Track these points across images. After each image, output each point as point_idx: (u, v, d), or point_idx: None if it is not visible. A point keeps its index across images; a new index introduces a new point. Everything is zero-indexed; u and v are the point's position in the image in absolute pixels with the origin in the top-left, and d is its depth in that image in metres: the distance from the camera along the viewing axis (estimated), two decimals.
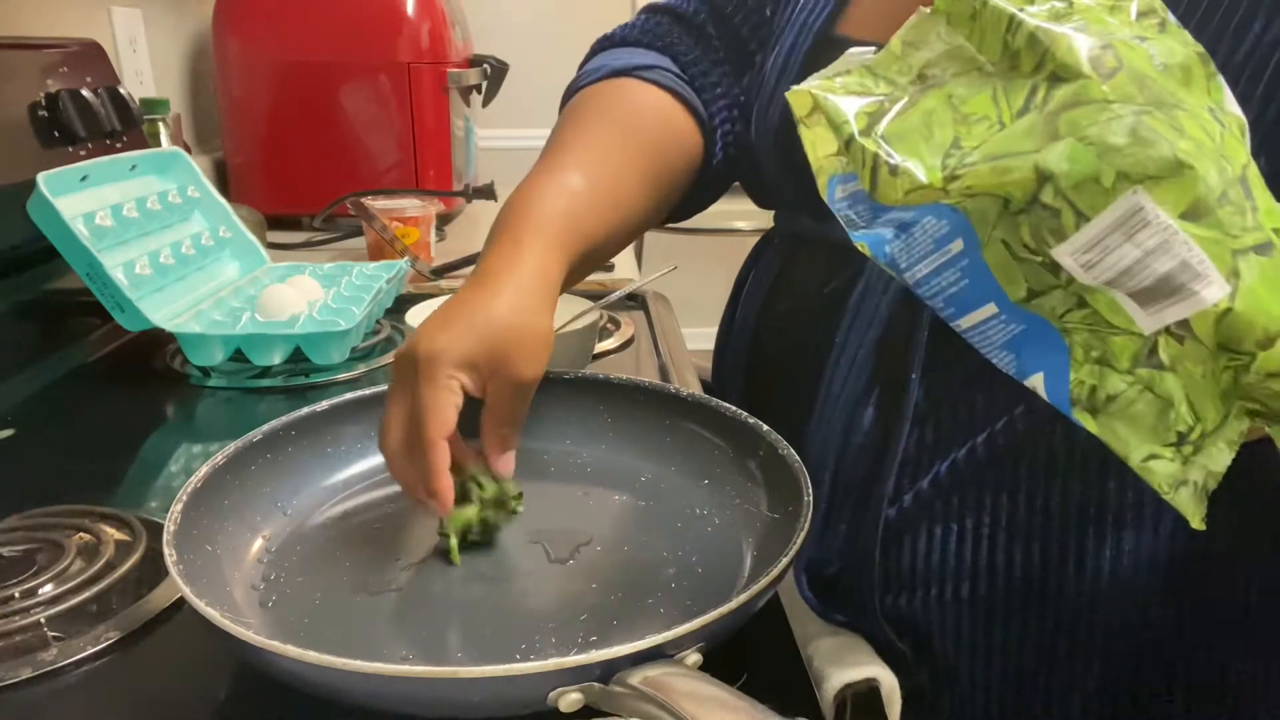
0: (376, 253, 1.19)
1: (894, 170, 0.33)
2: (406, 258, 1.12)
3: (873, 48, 0.39)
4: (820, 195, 0.39)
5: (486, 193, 1.40)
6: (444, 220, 1.45)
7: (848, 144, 0.34)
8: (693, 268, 1.21)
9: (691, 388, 0.75)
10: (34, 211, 0.78)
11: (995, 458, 0.52)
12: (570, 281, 0.59)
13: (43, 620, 0.48)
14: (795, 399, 0.59)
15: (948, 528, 0.53)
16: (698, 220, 0.81)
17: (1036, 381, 0.35)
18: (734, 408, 0.58)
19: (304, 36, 1.35)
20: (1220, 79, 0.33)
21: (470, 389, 0.51)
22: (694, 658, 0.38)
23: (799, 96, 0.37)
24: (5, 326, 0.86)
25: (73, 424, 0.77)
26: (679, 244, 2.16)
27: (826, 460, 0.55)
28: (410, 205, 1.23)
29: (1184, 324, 0.30)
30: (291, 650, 0.36)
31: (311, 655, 0.36)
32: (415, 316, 0.78)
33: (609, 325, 0.98)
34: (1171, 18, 0.34)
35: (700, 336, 0.79)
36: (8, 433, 0.73)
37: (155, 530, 0.51)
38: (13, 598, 0.50)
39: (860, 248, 0.37)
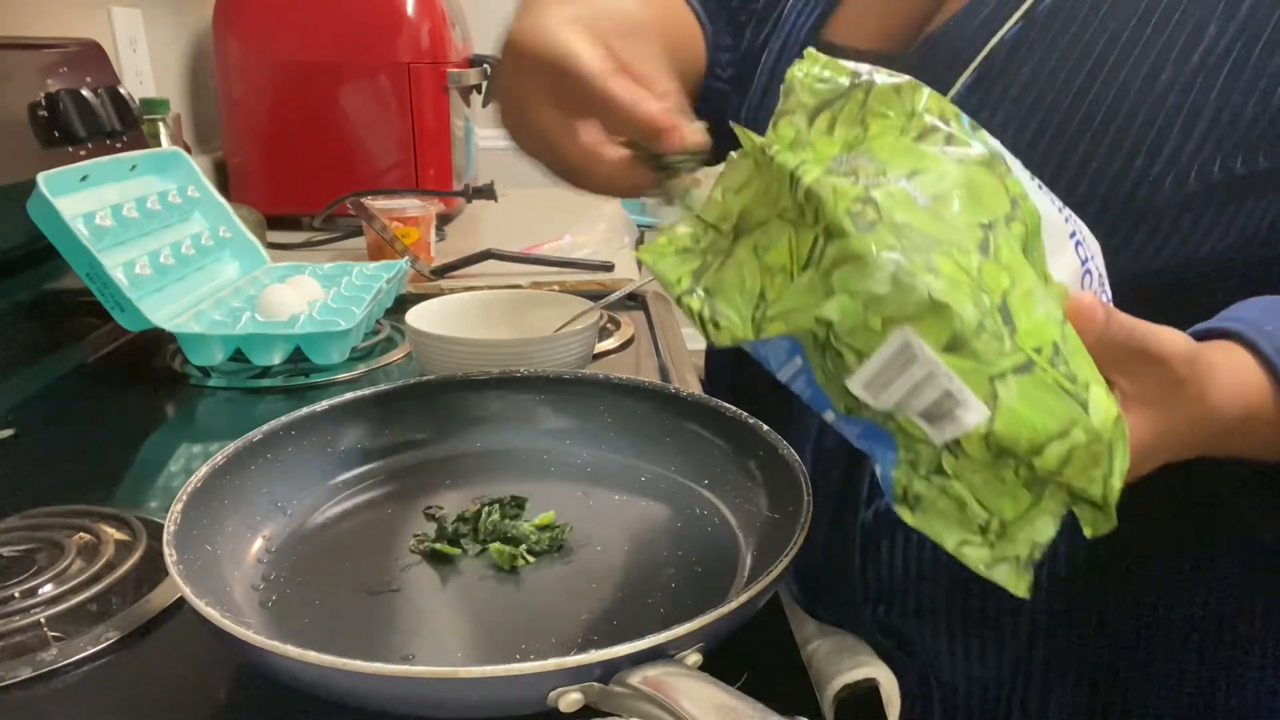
0: (376, 253, 1.19)
1: (717, 324, 0.36)
2: (406, 258, 1.12)
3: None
4: None
5: (486, 193, 1.40)
6: (444, 220, 1.45)
7: (679, 301, 0.38)
8: None
9: (691, 388, 0.75)
10: (34, 211, 0.78)
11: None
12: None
13: (43, 620, 0.48)
14: (775, 402, 0.59)
15: (922, 534, 0.53)
16: None
17: (877, 470, 0.38)
18: (734, 408, 0.58)
19: (304, 36, 1.35)
20: (1016, 174, 0.36)
21: (592, 42, 0.44)
22: (694, 658, 0.38)
23: (642, 256, 0.40)
24: (5, 326, 0.86)
25: (73, 424, 0.77)
26: None
27: (803, 463, 0.56)
28: (410, 205, 1.23)
29: (958, 442, 0.33)
30: (291, 650, 0.36)
31: (311, 655, 0.36)
32: (415, 316, 0.78)
33: (609, 325, 0.98)
34: (966, 122, 0.36)
35: (700, 336, 0.79)
36: (8, 433, 0.73)
37: (155, 530, 0.51)
38: (13, 598, 0.50)
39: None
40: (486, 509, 0.54)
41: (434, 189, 1.39)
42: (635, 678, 0.36)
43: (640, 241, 2.60)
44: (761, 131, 0.37)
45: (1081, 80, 0.46)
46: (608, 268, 1.18)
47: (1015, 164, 0.37)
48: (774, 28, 0.66)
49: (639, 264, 1.56)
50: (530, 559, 0.51)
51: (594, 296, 0.82)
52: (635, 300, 1.08)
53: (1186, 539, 0.52)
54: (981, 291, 0.32)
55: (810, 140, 0.37)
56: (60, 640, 0.47)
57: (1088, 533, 0.35)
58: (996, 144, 0.36)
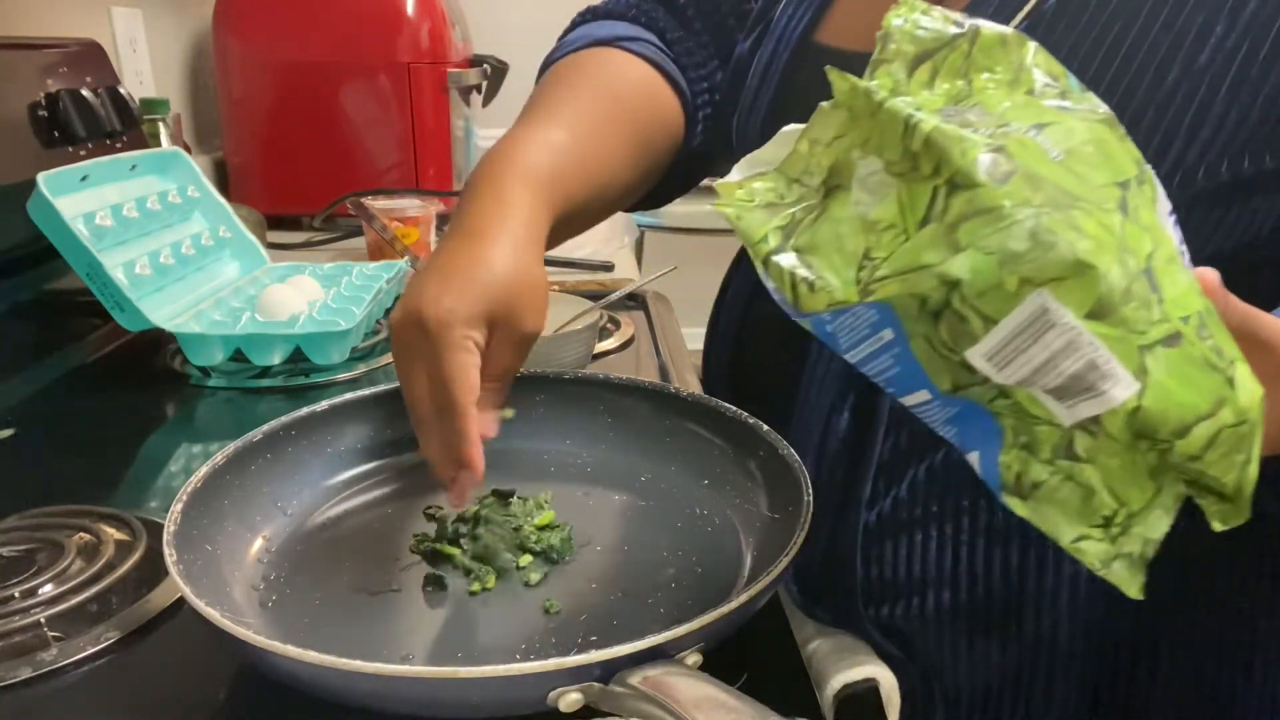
0: (376, 253, 1.19)
1: (811, 286, 0.33)
2: (406, 258, 1.12)
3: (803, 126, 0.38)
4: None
5: None
6: (444, 220, 1.44)
7: (765, 262, 0.35)
8: (693, 268, 1.21)
9: (691, 388, 0.75)
10: (34, 211, 0.78)
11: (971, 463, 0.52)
12: (551, 242, 0.56)
13: (43, 620, 0.48)
14: (775, 404, 0.59)
15: (927, 534, 0.53)
16: (698, 220, 0.81)
17: (974, 459, 0.35)
18: (734, 408, 0.58)
19: (304, 36, 1.35)
20: (1130, 141, 0.33)
21: (481, 347, 0.48)
22: (694, 658, 0.38)
23: (722, 209, 0.37)
24: (5, 326, 0.86)
25: (73, 424, 0.77)
26: (679, 244, 2.16)
27: (804, 465, 0.56)
28: (410, 205, 1.23)
29: (1096, 420, 0.30)
30: (291, 650, 0.36)
31: (311, 655, 0.36)
32: None
33: (609, 325, 0.98)
34: (1074, 83, 0.34)
35: (700, 336, 0.79)
36: (8, 433, 0.73)
37: (155, 530, 0.51)
38: (13, 598, 0.50)
39: (803, 324, 0.36)
40: (493, 515, 0.54)
41: (434, 189, 1.39)
42: (635, 678, 0.36)
43: (640, 241, 2.60)
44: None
45: (1087, 81, 0.46)
46: (608, 268, 1.18)
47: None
48: (765, 31, 0.66)
49: (639, 264, 1.56)
50: (529, 560, 0.51)
51: (594, 296, 0.82)
52: (635, 300, 1.08)
53: (1194, 542, 0.52)
54: (1126, 254, 0.29)
55: (909, 92, 0.33)
56: (60, 640, 0.47)
57: (1217, 526, 0.33)
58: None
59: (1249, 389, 0.30)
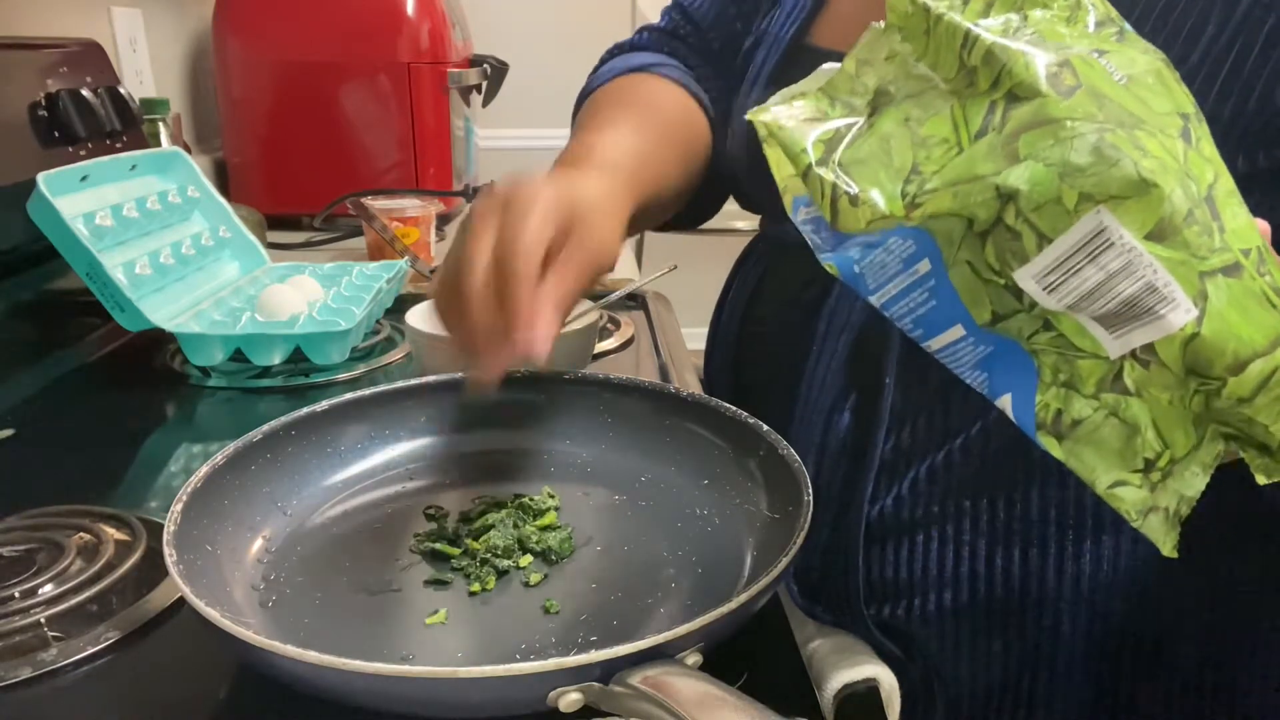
0: (376, 253, 1.19)
1: (854, 200, 0.32)
2: (406, 258, 1.12)
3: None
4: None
5: None
6: (444, 220, 1.44)
7: (805, 174, 0.34)
8: (693, 268, 1.21)
9: (691, 388, 0.75)
10: (34, 211, 0.78)
11: (971, 463, 0.52)
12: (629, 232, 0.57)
13: (43, 620, 0.48)
14: (776, 404, 0.59)
15: (929, 534, 0.53)
16: None
17: (1005, 402, 0.34)
18: (734, 408, 0.58)
19: (304, 36, 1.35)
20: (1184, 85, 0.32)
21: (551, 238, 0.46)
22: (694, 658, 0.38)
23: (759, 119, 0.36)
24: (5, 326, 0.86)
25: (73, 424, 0.77)
26: (679, 244, 2.16)
27: (805, 465, 0.56)
28: (410, 205, 1.23)
29: (1149, 348, 0.30)
30: (291, 650, 0.36)
31: (311, 655, 0.36)
32: (415, 316, 0.78)
33: (609, 325, 0.98)
34: (1129, 26, 0.33)
35: (700, 336, 0.79)
36: (8, 433, 0.73)
37: (155, 530, 0.51)
38: (13, 598, 0.50)
39: (829, 268, 0.36)
40: (494, 514, 0.54)
41: (434, 189, 1.40)
42: (635, 678, 0.36)
43: (640, 242, 2.60)
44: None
45: None
46: None
47: None
48: (756, 49, 0.67)
49: (639, 264, 1.56)
50: (529, 560, 0.51)
51: (594, 297, 0.82)
52: (635, 300, 1.08)
53: (1203, 538, 0.52)
54: (1189, 179, 0.28)
55: (966, 19, 0.32)
56: (60, 640, 0.47)
57: (1261, 480, 0.32)
58: None
59: None
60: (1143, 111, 0.29)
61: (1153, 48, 0.33)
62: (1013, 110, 0.30)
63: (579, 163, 0.57)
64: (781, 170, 0.36)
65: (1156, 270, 0.28)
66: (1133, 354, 0.30)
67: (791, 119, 0.35)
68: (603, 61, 0.79)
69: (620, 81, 0.71)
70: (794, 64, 0.62)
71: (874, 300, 0.35)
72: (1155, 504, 0.32)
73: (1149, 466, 0.31)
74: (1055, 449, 0.32)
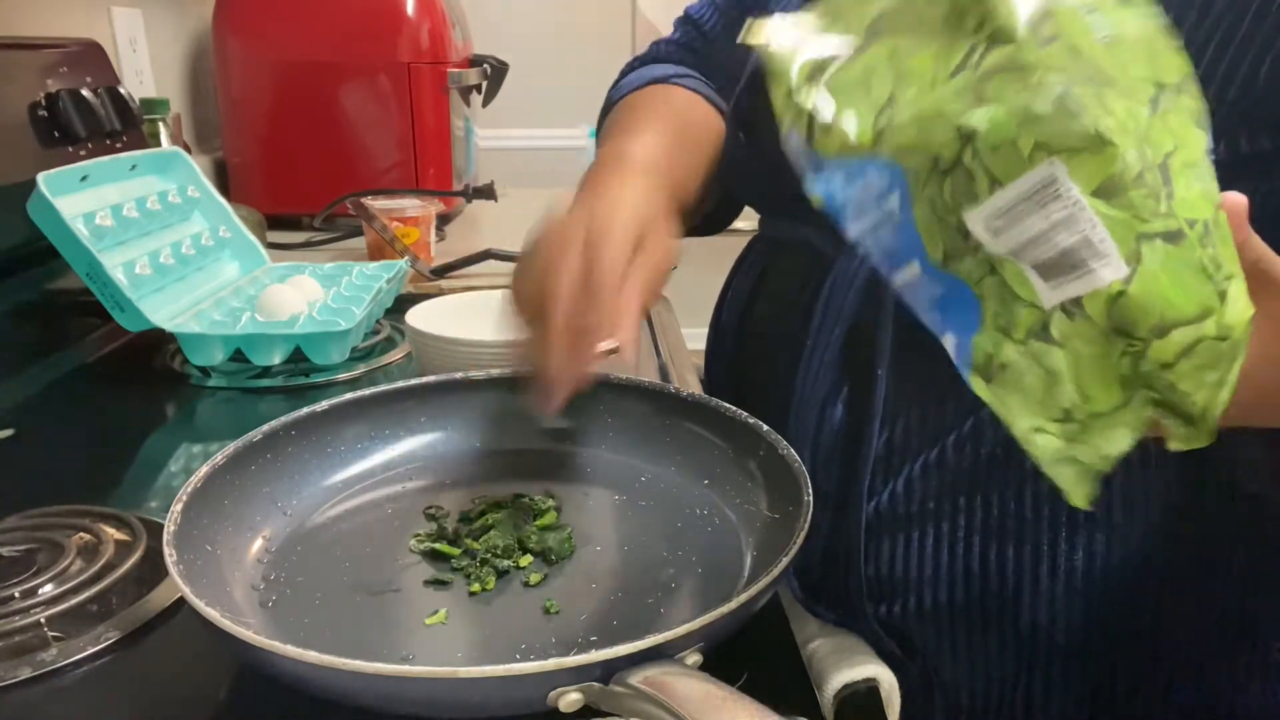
0: (376, 253, 1.19)
1: (826, 128, 0.33)
2: (406, 258, 1.12)
3: None
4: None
5: (486, 193, 1.39)
6: (444, 220, 1.45)
7: (788, 95, 0.34)
8: (693, 268, 1.21)
9: (691, 388, 0.75)
10: (34, 211, 0.78)
11: (965, 459, 0.52)
12: None
13: (43, 620, 0.48)
14: (775, 402, 0.59)
15: (924, 531, 0.53)
16: None
17: (949, 342, 0.34)
18: (734, 408, 0.58)
19: (304, 36, 1.35)
20: (1184, 55, 0.32)
21: (630, 257, 0.51)
22: (694, 658, 0.38)
23: (758, 33, 0.36)
24: (5, 326, 0.86)
25: (73, 424, 0.77)
26: (679, 244, 2.16)
27: (801, 460, 0.56)
28: (410, 205, 1.23)
29: (1078, 302, 0.30)
30: (291, 650, 0.36)
31: (311, 655, 0.36)
32: (415, 316, 0.78)
33: None
34: None
35: (700, 336, 0.79)
36: (8, 433, 0.73)
37: (155, 530, 0.51)
38: (13, 598, 0.50)
39: (814, 200, 0.36)
40: (494, 514, 0.54)
41: (434, 189, 1.39)
42: (635, 678, 0.36)
43: None
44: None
45: None
46: None
47: None
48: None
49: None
50: (529, 560, 0.51)
51: None
52: None
53: (1196, 535, 0.52)
54: (1146, 145, 0.29)
55: None
56: (60, 640, 0.47)
57: (1175, 446, 0.33)
58: None
59: (1239, 307, 0.30)
60: (1116, 72, 0.30)
61: (1157, 15, 0.33)
62: (990, 53, 0.30)
63: (621, 168, 0.58)
64: (777, 92, 0.37)
65: (1095, 226, 0.29)
66: (1063, 306, 0.31)
67: (786, 35, 0.35)
68: (623, 75, 0.80)
69: (643, 92, 0.73)
70: None
71: (851, 232, 0.36)
72: (1070, 454, 0.32)
73: (1066, 416, 0.32)
74: (983, 391, 0.33)
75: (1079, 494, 0.33)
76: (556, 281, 0.50)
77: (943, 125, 0.30)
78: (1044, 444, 0.33)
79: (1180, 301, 0.29)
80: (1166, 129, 0.30)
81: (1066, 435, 0.32)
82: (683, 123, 0.68)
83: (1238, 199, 0.32)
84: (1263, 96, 0.43)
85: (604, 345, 0.49)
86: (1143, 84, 0.30)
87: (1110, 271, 0.29)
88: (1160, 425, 0.32)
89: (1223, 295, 0.30)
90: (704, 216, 0.77)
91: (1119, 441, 0.32)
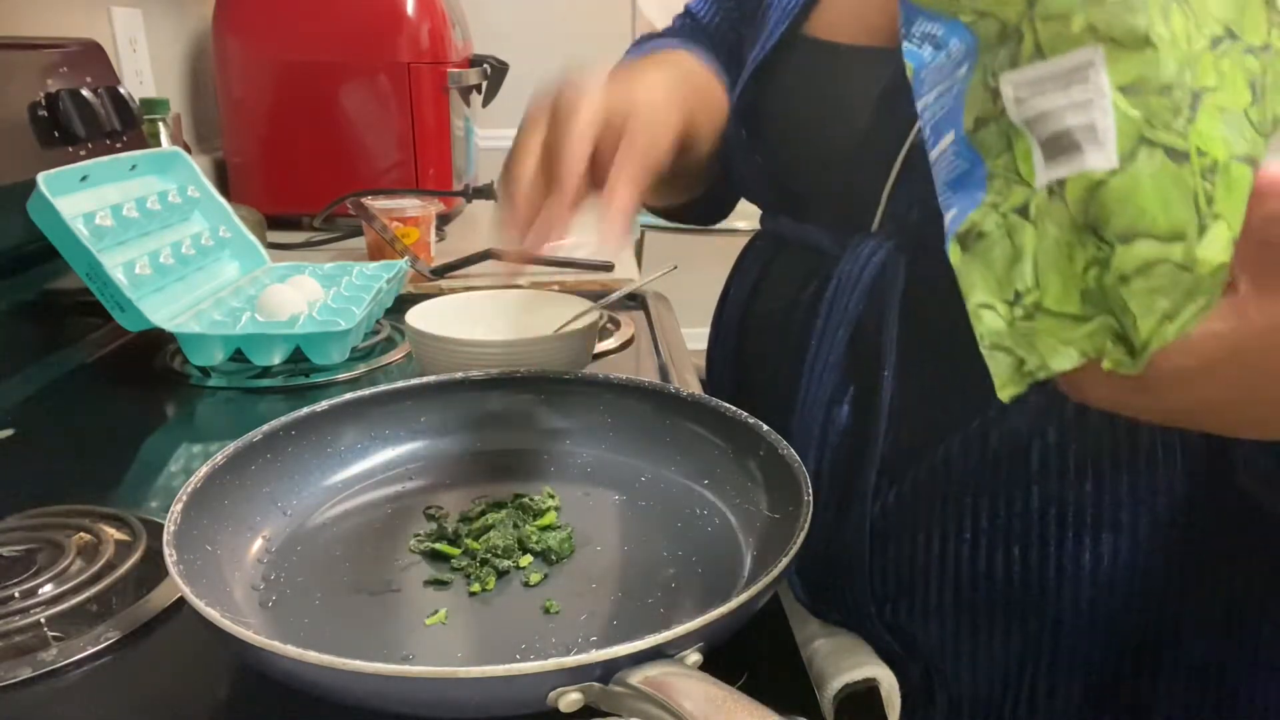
0: (376, 253, 1.19)
1: None
2: (406, 258, 1.12)
3: None
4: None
5: (486, 193, 1.39)
6: (444, 220, 1.44)
7: None
8: (693, 268, 1.21)
9: (691, 388, 0.75)
10: (34, 211, 0.78)
11: (971, 460, 0.52)
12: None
13: (43, 620, 0.48)
14: (777, 401, 0.59)
15: (929, 532, 0.53)
16: None
17: (949, 216, 0.35)
18: (734, 408, 0.58)
19: (304, 36, 1.35)
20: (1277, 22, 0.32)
21: (601, 135, 0.52)
22: (694, 658, 0.38)
23: None
24: (5, 326, 0.86)
25: (73, 424, 0.77)
26: (679, 244, 2.16)
27: (806, 461, 0.56)
28: (410, 205, 1.23)
29: (1062, 183, 0.31)
30: (291, 650, 0.36)
31: (311, 655, 0.36)
32: (415, 316, 0.78)
33: (609, 325, 0.98)
34: None
35: (700, 336, 0.79)
36: (8, 433, 0.73)
37: (155, 530, 0.51)
38: (13, 598, 0.50)
39: (907, 65, 0.37)
40: (494, 514, 0.54)
41: (434, 189, 1.39)
42: (635, 678, 0.36)
43: (640, 242, 2.60)
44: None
45: None
46: (608, 268, 1.18)
47: None
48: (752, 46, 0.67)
49: (639, 264, 1.56)
50: (529, 560, 0.51)
51: (594, 296, 0.82)
52: (635, 300, 1.08)
53: (1203, 535, 0.52)
54: (1187, 68, 0.30)
55: None
56: (60, 640, 0.47)
57: (1106, 365, 0.33)
58: None
59: (1215, 248, 0.30)
60: (1195, 1, 0.30)
61: None
62: None
63: (631, 68, 0.59)
64: None
65: (1106, 114, 0.30)
66: (1049, 186, 0.31)
67: None
68: (630, 49, 0.79)
69: (652, 56, 0.71)
70: (788, 54, 0.62)
71: (920, 103, 0.37)
72: (1010, 344, 0.33)
73: (1017, 299, 0.33)
74: (955, 256, 0.34)
75: (1005, 388, 0.34)
76: (517, 164, 0.53)
77: None
78: (989, 320, 0.33)
79: (1156, 213, 0.30)
80: (1216, 68, 0.31)
81: (1011, 319, 0.33)
82: (688, 71, 0.67)
83: (1276, 171, 0.32)
84: None
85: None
86: (1213, 22, 0.31)
87: (1100, 159, 0.30)
88: (1104, 348, 0.33)
89: (1203, 230, 0.30)
90: (705, 197, 0.75)
91: (1064, 359, 0.33)
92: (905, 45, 0.38)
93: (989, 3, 0.33)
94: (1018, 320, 0.33)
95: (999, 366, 0.34)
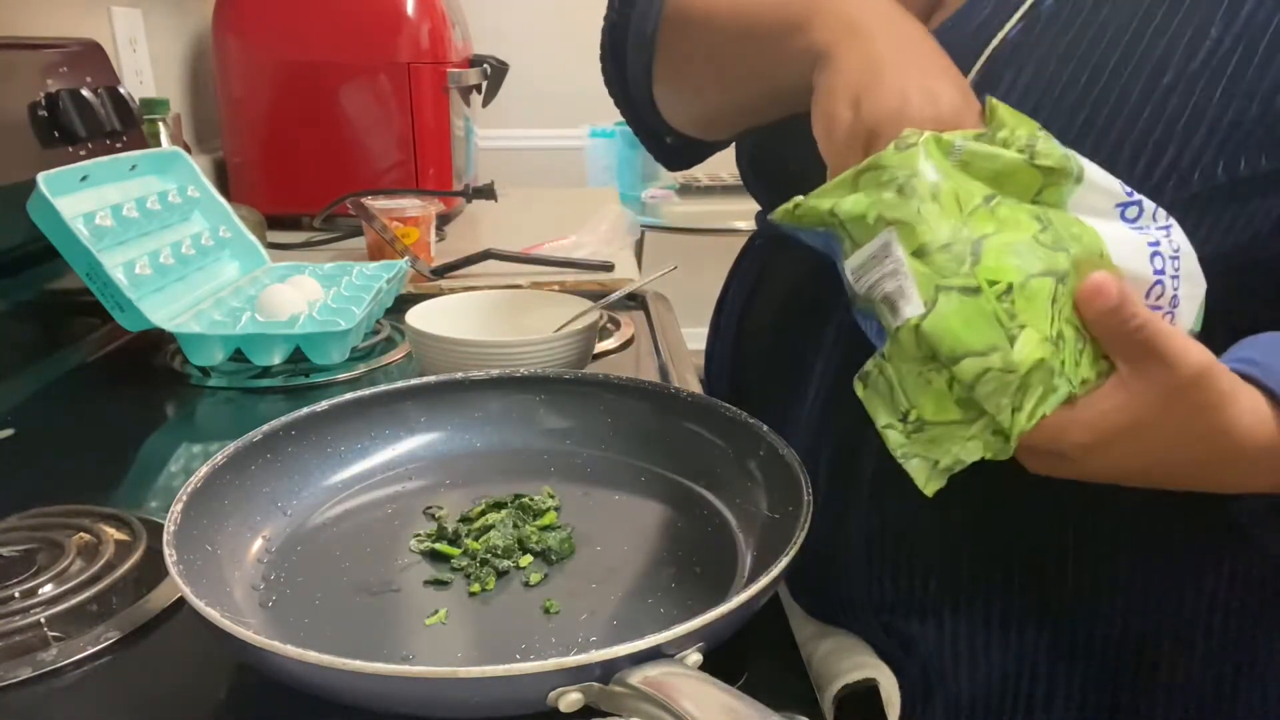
0: (376, 253, 1.19)
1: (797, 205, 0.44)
2: (406, 258, 1.12)
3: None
4: (788, 189, 0.45)
5: (486, 193, 1.39)
6: (444, 220, 1.44)
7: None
8: (693, 268, 1.21)
9: (691, 388, 0.75)
10: (34, 211, 0.78)
11: (966, 468, 0.52)
12: None
13: (43, 620, 0.48)
14: (774, 402, 0.59)
15: (928, 533, 0.53)
16: (698, 220, 0.81)
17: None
18: (734, 408, 0.58)
19: (304, 36, 1.35)
20: (1069, 187, 0.41)
21: None
22: (694, 658, 0.38)
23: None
24: (5, 326, 0.86)
25: (73, 424, 0.77)
26: (679, 244, 2.16)
27: (805, 461, 0.56)
28: (410, 205, 1.23)
29: (896, 331, 0.40)
30: (291, 650, 0.36)
31: (311, 655, 0.36)
32: (415, 316, 0.78)
33: (609, 325, 0.98)
34: (1040, 132, 0.41)
35: (700, 336, 0.79)
36: (8, 433, 0.73)
37: (155, 530, 0.51)
38: (13, 598, 0.50)
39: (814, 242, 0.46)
40: (494, 514, 0.54)
41: (434, 189, 1.39)
42: (635, 678, 0.36)
43: (640, 242, 2.60)
44: None
45: (1083, 83, 0.46)
46: (608, 268, 1.18)
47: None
48: None
49: (639, 264, 1.57)
50: (529, 560, 0.51)
51: (594, 296, 0.82)
52: (635, 300, 1.08)
53: (1199, 541, 0.52)
54: (964, 226, 0.39)
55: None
56: (60, 640, 0.47)
57: (986, 455, 0.40)
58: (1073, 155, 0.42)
59: (1028, 349, 0.38)
60: (960, 183, 0.40)
61: (1062, 153, 0.41)
62: (867, 171, 0.41)
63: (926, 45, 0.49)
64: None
65: (908, 276, 0.39)
66: (893, 333, 0.40)
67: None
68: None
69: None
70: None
71: (841, 266, 0.45)
72: (917, 451, 0.41)
73: (904, 418, 0.41)
74: (859, 389, 0.43)
75: (928, 485, 0.41)
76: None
77: (827, 203, 0.42)
78: (893, 437, 0.42)
79: (966, 337, 0.38)
80: (994, 217, 0.40)
81: (907, 433, 0.41)
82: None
83: (1101, 278, 0.39)
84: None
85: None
86: (979, 189, 0.40)
87: (911, 309, 0.39)
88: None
89: (1012, 339, 0.38)
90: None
91: (970, 453, 0.41)
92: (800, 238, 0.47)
93: (814, 220, 0.43)
94: (912, 434, 0.41)
95: (915, 470, 0.41)
